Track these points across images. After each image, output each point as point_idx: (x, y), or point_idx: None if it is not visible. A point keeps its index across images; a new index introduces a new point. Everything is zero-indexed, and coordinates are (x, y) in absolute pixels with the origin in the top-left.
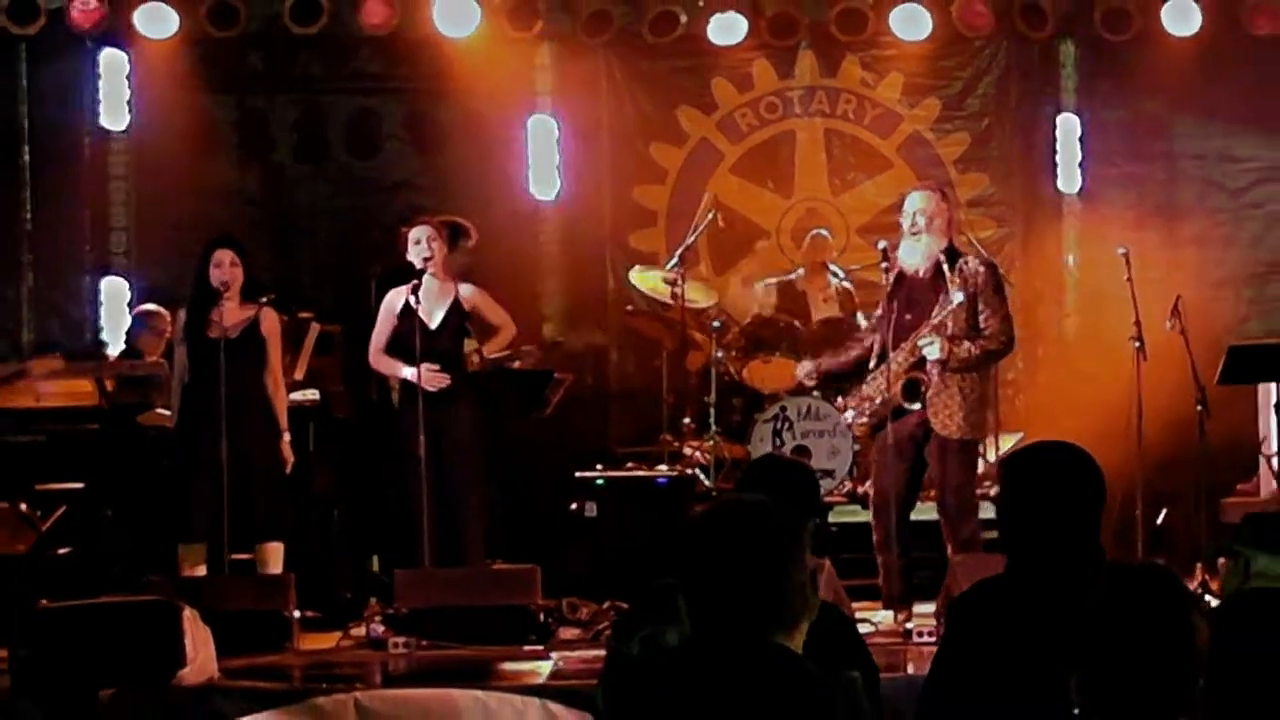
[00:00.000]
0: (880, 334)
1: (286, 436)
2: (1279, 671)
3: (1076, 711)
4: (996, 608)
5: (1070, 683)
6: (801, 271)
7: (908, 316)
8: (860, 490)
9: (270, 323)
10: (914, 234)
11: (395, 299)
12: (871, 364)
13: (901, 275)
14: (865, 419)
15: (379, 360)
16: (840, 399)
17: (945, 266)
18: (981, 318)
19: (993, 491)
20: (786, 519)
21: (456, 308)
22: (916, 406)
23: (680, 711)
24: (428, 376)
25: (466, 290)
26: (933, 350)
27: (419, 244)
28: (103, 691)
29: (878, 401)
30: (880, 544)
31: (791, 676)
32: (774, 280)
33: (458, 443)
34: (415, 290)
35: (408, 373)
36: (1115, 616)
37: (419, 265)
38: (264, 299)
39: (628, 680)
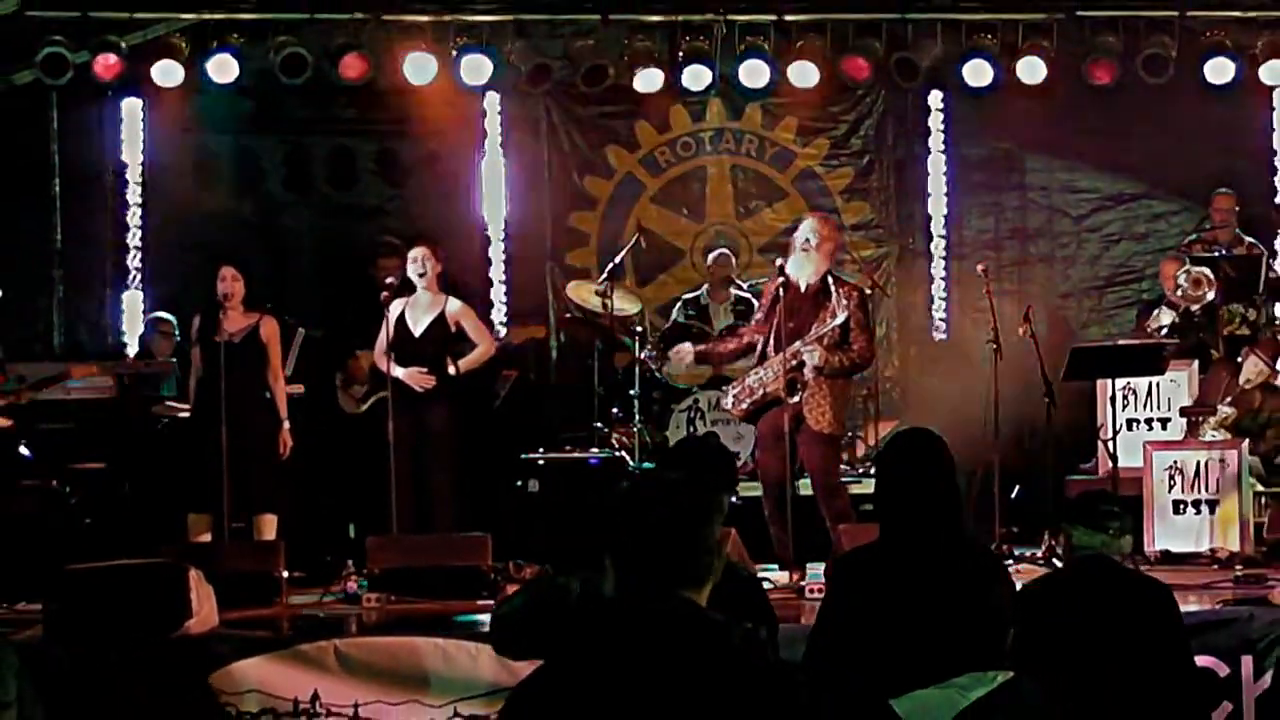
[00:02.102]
0: (764, 335)
1: (287, 424)
2: (1091, 636)
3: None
4: (868, 566)
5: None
6: (706, 287)
7: (790, 324)
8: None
9: (269, 328)
10: (804, 251)
11: (394, 310)
12: (755, 359)
13: (787, 285)
14: (745, 405)
15: (380, 359)
16: (726, 386)
17: (833, 289)
18: (851, 335)
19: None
20: (697, 493)
21: (441, 320)
22: (795, 400)
23: (594, 657)
24: (415, 377)
25: (454, 306)
26: (813, 357)
27: (415, 262)
28: (121, 639)
29: (759, 393)
30: (771, 516)
31: (692, 624)
32: (688, 296)
33: (437, 434)
34: (387, 303)
35: (399, 372)
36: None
37: (414, 281)
38: (265, 308)
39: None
